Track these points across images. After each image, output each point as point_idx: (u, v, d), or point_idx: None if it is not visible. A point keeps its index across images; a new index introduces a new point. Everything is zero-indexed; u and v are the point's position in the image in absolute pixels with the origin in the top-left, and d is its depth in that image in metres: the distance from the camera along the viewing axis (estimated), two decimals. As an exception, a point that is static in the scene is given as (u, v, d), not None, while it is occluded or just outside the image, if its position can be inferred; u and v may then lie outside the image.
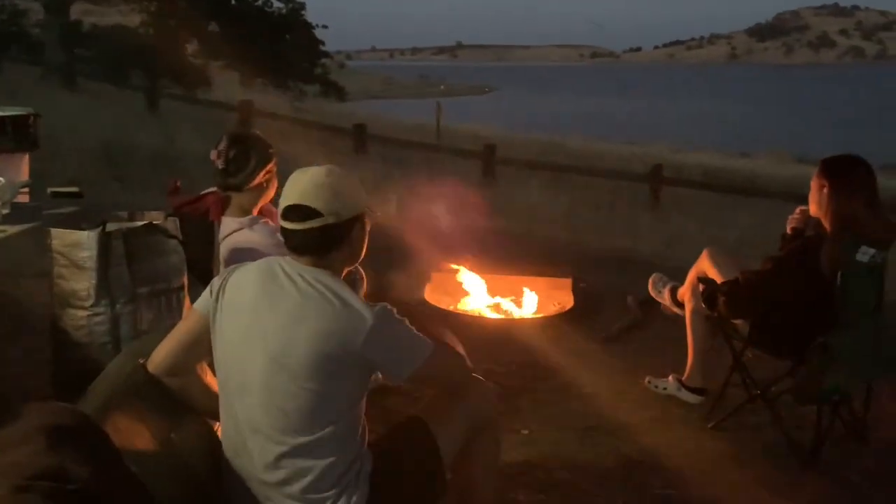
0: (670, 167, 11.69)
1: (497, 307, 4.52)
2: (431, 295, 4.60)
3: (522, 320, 4.41)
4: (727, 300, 3.12)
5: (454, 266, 4.61)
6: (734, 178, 10.51)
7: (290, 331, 1.77)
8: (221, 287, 1.89)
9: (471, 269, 4.60)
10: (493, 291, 4.57)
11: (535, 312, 4.50)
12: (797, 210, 3.14)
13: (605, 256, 6.29)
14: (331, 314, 1.78)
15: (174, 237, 2.39)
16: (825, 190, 2.96)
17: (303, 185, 1.87)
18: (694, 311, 3.41)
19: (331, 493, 1.81)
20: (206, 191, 2.92)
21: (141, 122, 10.90)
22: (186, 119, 10.92)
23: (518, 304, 4.55)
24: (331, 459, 1.81)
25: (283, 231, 1.90)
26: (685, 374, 3.51)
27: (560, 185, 10.18)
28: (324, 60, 20.63)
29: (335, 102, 20.11)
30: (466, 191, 9.47)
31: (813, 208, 3.03)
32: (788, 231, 3.14)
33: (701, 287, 3.32)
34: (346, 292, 1.83)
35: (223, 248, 2.78)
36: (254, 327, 1.81)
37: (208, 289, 1.92)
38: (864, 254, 2.90)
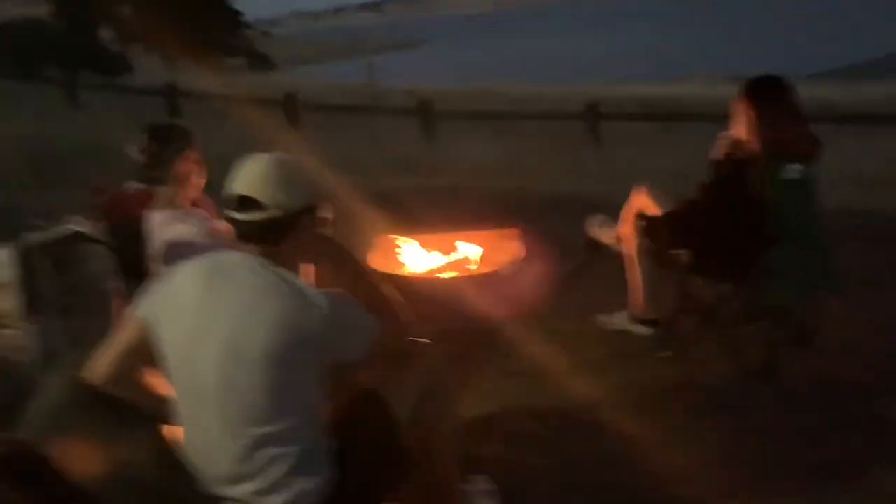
0: (609, 103, 11.73)
1: (446, 266, 4.52)
2: (376, 260, 4.57)
3: (472, 275, 4.43)
4: (668, 231, 3.18)
5: (395, 236, 4.56)
6: (670, 106, 10.64)
7: (244, 322, 1.76)
8: (160, 290, 1.86)
9: (413, 232, 4.55)
10: (439, 251, 4.56)
11: (486, 266, 4.52)
12: (719, 138, 3.18)
13: (553, 201, 6.30)
14: (283, 303, 1.76)
15: (100, 241, 2.31)
16: (750, 112, 3.00)
17: (249, 176, 1.85)
18: (638, 247, 3.47)
19: (300, 479, 1.80)
20: (132, 187, 2.86)
21: (62, 117, 10.54)
22: (110, 109, 10.58)
23: (467, 260, 4.57)
24: (298, 447, 1.80)
25: (230, 220, 1.88)
26: (636, 308, 3.59)
27: (502, 134, 10.15)
28: (245, 31, 20.11)
29: (265, 74, 19.68)
30: (405, 151, 9.49)
31: (739, 130, 3.08)
32: (720, 156, 3.19)
33: (643, 222, 3.38)
34: (297, 281, 1.82)
35: (159, 245, 2.73)
36: (201, 327, 1.78)
37: (147, 292, 1.89)
38: (793, 171, 2.97)
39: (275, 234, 1.85)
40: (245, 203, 1.83)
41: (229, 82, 15.68)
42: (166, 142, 2.75)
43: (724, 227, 3.04)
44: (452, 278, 4.31)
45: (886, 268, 4.22)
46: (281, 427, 1.78)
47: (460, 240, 4.53)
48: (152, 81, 12.79)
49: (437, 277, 4.30)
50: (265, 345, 1.75)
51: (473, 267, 4.44)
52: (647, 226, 3.32)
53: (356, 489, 1.88)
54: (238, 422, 1.77)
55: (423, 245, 4.48)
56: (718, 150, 3.19)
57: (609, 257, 3.80)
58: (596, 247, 4.00)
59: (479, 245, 4.54)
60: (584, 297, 4.05)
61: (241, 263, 1.83)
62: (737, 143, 3.13)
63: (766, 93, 3.02)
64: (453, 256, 4.41)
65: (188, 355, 1.80)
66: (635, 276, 3.55)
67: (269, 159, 1.86)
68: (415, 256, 4.40)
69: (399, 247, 4.37)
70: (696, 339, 3.35)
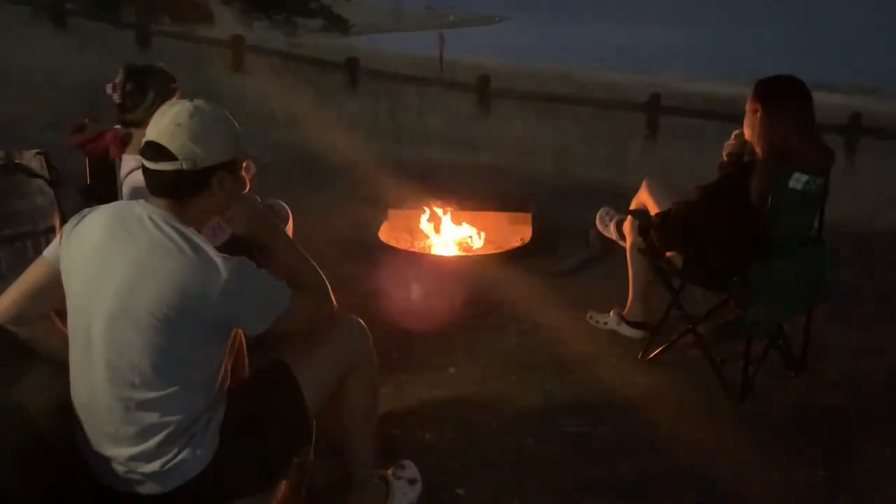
0: (675, 96, 11.36)
1: (455, 244, 4.47)
2: (388, 233, 4.56)
3: (477, 256, 4.38)
4: (658, 232, 3.02)
5: (424, 207, 4.59)
6: (733, 106, 10.20)
7: (137, 279, 1.69)
8: (71, 232, 1.79)
9: (434, 207, 4.58)
10: (453, 228, 4.54)
11: (491, 248, 4.46)
12: (733, 135, 2.99)
13: (587, 189, 6.10)
14: (182, 265, 1.69)
15: (40, 177, 2.30)
16: (758, 113, 2.81)
17: (164, 122, 1.75)
18: (633, 245, 3.32)
19: (174, 447, 1.75)
20: (108, 128, 2.83)
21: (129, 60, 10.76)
22: (179, 56, 10.74)
23: (476, 240, 4.50)
24: (180, 416, 1.75)
25: (142, 168, 1.81)
26: (626, 309, 3.45)
27: (557, 117, 9.93)
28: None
29: (336, 38, 19.74)
30: (456, 125, 9.39)
31: (747, 132, 2.89)
32: (724, 157, 3.00)
33: (638, 221, 3.22)
34: (202, 242, 1.73)
35: (126, 188, 2.68)
36: (98, 277, 1.72)
37: (59, 233, 1.84)
38: (797, 181, 2.77)
39: (184, 189, 1.77)
40: (154, 150, 1.74)
41: (298, 42, 15.82)
42: (143, 84, 2.71)
43: (717, 233, 2.86)
44: (459, 257, 4.37)
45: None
46: (163, 394, 1.73)
47: (475, 219, 4.58)
48: (224, 33, 12.94)
49: (444, 255, 4.37)
50: (155, 306, 1.68)
51: (481, 247, 4.43)
52: (641, 224, 3.14)
53: (244, 463, 1.83)
54: (120, 382, 1.72)
55: (447, 217, 4.50)
56: (726, 150, 3.00)
57: (616, 253, 3.68)
58: (603, 241, 3.87)
59: (487, 225, 4.51)
60: (583, 292, 3.95)
61: (145, 216, 1.75)
62: (744, 145, 2.94)
63: (778, 95, 2.81)
64: (466, 236, 4.47)
65: (83, 303, 1.75)
66: (631, 274, 3.41)
67: (187, 106, 1.76)
68: (434, 228, 4.49)
69: (422, 217, 4.44)
70: (682, 348, 3.21)
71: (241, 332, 2.08)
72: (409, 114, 9.71)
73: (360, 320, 2.12)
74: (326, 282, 1.98)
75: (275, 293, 1.81)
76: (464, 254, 4.40)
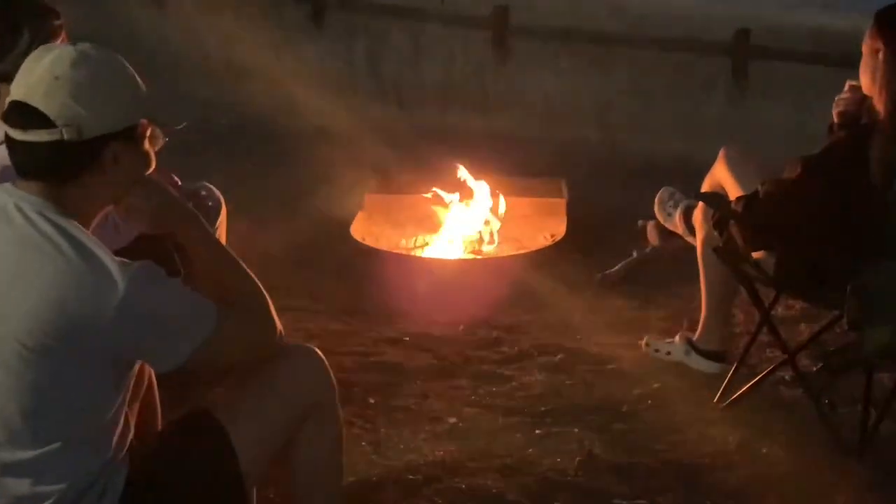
0: (770, 33, 11.29)
1: (459, 244, 4.48)
2: (364, 228, 4.59)
3: (489, 260, 4.38)
4: (741, 224, 3.02)
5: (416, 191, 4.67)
6: (852, 46, 10.13)
7: (1, 296, 1.70)
8: None
9: (431, 191, 4.63)
10: (457, 221, 4.56)
11: (509, 248, 4.47)
12: (847, 86, 2.99)
13: (642, 164, 6.07)
14: (61, 273, 1.69)
15: None
16: (880, 55, 2.81)
17: (35, 74, 1.76)
18: (706, 242, 3.31)
19: None
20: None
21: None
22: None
23: (490, 236, 4.50)
24: (61, 486, 1.75)
25: (6, 139, 1.80)
26: (697, 333, 3.45)
27: (602, 63, 9.88)
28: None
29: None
30: (464, 75, 9.36)
31: (865, 82, 2.89)
32: (835, 118, 3.01)
33: (714, 208, 3.21)
34: (90, 241, 1.74)
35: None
36: None
37: None
38: (936, 149, 2.76)
39: (65, 167, 1.77)
40: (22, 115, 1.74)
41: None
42: (12, 20, 2.70)
43: (824, 224, 2.86)
44: (465, 261, 4.40)
45: None
46: (38, 454, 1.74)
47: (478, 208, 4.58)
48: None
49: (445, 259, 4.41)
50: (25, 331, 1.68)
51: (496, 247, 4.45)
52: (718, 213, 3.14)
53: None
54: None
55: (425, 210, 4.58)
56: (837, 108, 2.99)
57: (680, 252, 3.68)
58: (664, 236, 3.89)
59: (504, 216, 4.56)
60: (636, 309, 3.95)
61: (11, 206, 1.75)
62: (862, 101, 2.93)
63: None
64: (477, 231, 4.47)
65: None
66: (704, 285, 3.42)
67: (68, 52, 1.77)
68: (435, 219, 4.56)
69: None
70: (774, 384, 3.24)
71: (148, 367, 2.08)
72: (395, 60, 9.67)
73: (317, 351, 2.12)
74: (268, 298, 1.98)
75: (194, 313, 1.81)
76: (471, 257, 4.39)
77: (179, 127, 1.95)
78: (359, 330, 3.79)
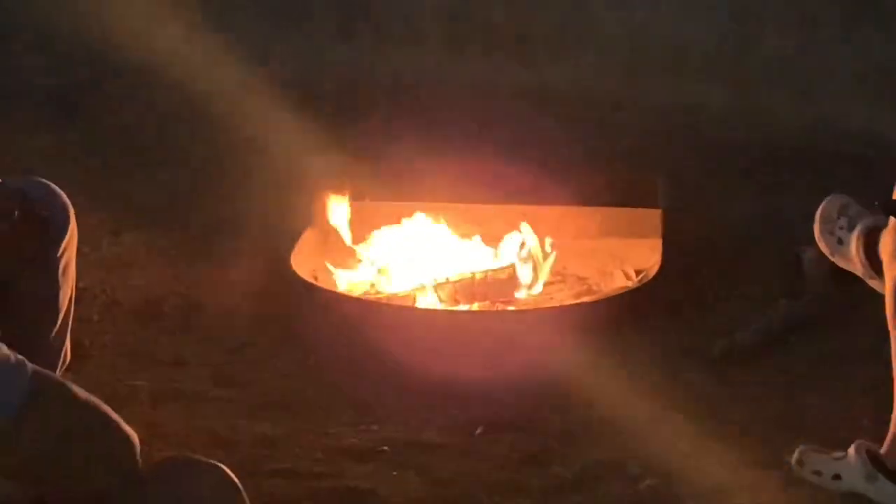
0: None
1: (460, 286, 3.61)
2: (312, 258, 3.75)
3: (527, 313, 3.52)
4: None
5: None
6: None
7: None
8: None
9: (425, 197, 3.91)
10: (468, 246, 3.73)
11: (560, 293, 3.69)
12: None
13: (791, 149, 4.68)
14: None
15: None
16: None
17: None
18: (893, 287, 2.64)
19: None
20: None
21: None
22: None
23: (532, 270, 3.64)
24: None
25: None
26: (885, 445, 2.82)
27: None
28: None
29: None
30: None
31: None
32: None
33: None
34: None
35: None
36: None
37: None
38: None
39: None
40: None
41: None
42: None
43: None
44: (472, 312, 3.60)
45: None
46: None
47: (505, 222, 3.86)
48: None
49: (437, 309, 3.63)
50: None
51: (533, 291, 3.70)
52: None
53: None
54: None
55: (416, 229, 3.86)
56: None
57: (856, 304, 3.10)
58: (834, 275, 3.24)
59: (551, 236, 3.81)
60: (781, 401, 3.09)
61: None
62: None
63: None
64: (488, 268, 3.75)
65: None
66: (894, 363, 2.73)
67: None
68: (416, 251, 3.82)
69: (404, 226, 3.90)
70: None
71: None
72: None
73: (226, 470, 1.76)
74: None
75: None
76: (495, 306, 3.51)
77: None
78: (300, 432, 2.86)
